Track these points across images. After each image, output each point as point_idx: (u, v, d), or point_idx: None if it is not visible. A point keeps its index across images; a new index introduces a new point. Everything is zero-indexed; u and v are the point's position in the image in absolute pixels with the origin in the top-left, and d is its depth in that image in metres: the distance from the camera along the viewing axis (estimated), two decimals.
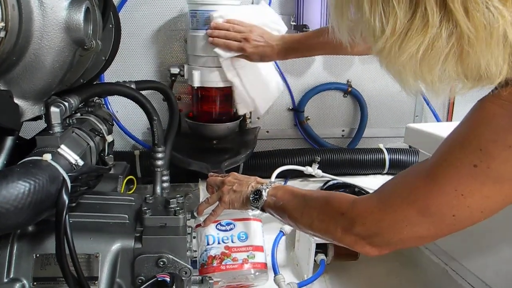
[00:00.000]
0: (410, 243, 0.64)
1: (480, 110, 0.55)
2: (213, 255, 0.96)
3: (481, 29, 0.47)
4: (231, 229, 1.00)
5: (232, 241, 0.99)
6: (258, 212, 0.86)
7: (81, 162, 0.64)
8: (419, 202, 0.58)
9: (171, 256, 0.66)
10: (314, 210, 0.73)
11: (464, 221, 0.58)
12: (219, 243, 0.98)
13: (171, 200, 0.72)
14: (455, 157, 0.55)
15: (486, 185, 0.54)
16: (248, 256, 0.98)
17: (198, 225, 0.99)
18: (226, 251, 0.97)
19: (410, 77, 0.53)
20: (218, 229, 1.00)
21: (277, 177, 1.29)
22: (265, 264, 1.00)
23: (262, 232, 1.04)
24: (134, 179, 1.05)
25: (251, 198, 0.84)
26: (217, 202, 0.92)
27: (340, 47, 0.98)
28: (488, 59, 0.49)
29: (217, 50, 1.20)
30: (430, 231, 0.60)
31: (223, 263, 0.96)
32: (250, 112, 1.51)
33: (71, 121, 0.76)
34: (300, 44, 1.13)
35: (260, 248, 1.00)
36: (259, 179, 0.90)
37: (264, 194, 0.82)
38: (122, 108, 1.46)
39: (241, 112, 1.35)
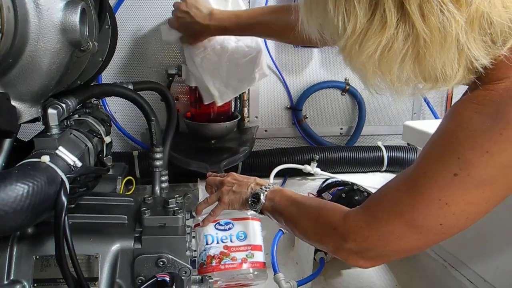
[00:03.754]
0: (403, 254, 0.65)
1: (455, 116, 0.55)
2: (212, 255, 0.96)
3: (436, 32, 0.48)
4: (229, 228, 1.00)
5: (231, 241, 0.99)
6: (254, 212, 0.86)
7: (79, 164, 0.65)
8: (405, 215, 0.59)
9: (170, 256, 0.66)
10: (308, 221, 0.74)
11: (451, 229, 0.58)
12: (218, 242, 0.98)
13: (170, 200, 0.72)
14: (435, 168, 0.56)
15: (468, 191, 0.54)
16: (247, 255, 0.98)
17: (197, 225, 0.99)
18: (225, 251, 0.97)
19: (370, 76, 0.55)
20: (217, 228, 1.00)
21: (275, 176, 1.29)
22: (264, 263, 1.00)
23: (260, 231, 1.04)
24: (133, 179, 1.05)
25: (249, 202, 0.85)
26: (216, 202, 0.93)
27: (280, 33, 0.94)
28: (444, 62, 0.50)
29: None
30: (420, 242, 0.60)
31: (222, 263, 0.96)
32: (248, 111, 1.51)
33: (69, 122, 0.76)
34: (232, 24, 1.06)
35: (259, 248, 1.00)
36: (258, 179, 0.90)
37: (262, 197, 0.83)
38: (120, 109, 1.46)
39: (205, 101, 1.27)
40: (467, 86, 0.56)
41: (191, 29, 1.10)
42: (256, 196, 0.84)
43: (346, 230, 0.66)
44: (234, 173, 0.95)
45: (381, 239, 0.62)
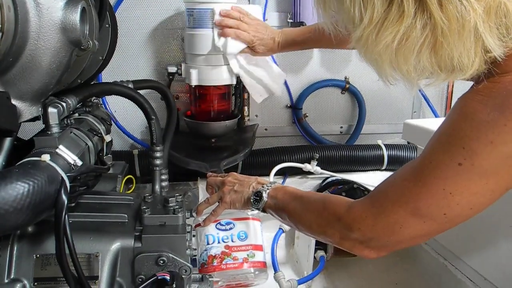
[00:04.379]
0: (406, 244, 0.66)
1: (461, 107, 0.55)
2: (214, 255, 0.97)
3: (454, 21, 0.48)
4: (230, 228, 1.00)
5: (232, 241, 0.99)
6: (256, 211, 0.86)
7: (79, 162, 0.65)
8: (409, 204, 0.59)
9: (171, 255, 0.66)
10: (312, 214, 0.74)
11: (455, 219, 0.58)
12: (219, 242, 0.98)
13: (170, 199, 0.72)
14: (440, 158, 0.56)
15: (472, 181, 0.54)
16: (248, 255, 0.98)
17: (198, 225, 0.99)
18: (227, 251, 0.97)
19: (387, 66, 0.55)
20: (218, 228, 1.00)
21: (275, 174, 1.29)
22: (265, 263, 1.00)
23: (261, 231, 1.04)
24: (133, 178, 1.06)
25: (252, 200, 0.85)
26: (217, 202, 0.93)
27: (338, 42, 1.00)
28: (461, 51, 0.50)
29: (227, 45, 1.19)
30: (424, 231, 0.61)
31: (223, 262, 0.96)
32: (248, 110, 1.51)
33: (69, 121, 0.76)
34: (299, 37, 1.16)
35: (259, 247, 1.01)
36: (259, 179, 0.90)
37: (265, 195, 0.83)
38: (120, 107, 1.46)
39: (258, 100, 1.37)
40: (472, 82, 0.56)
41: (264, 44, 1.19)
42: (258, 195, 0.84)
43: (351, 220, 0.66)
44: (235, 173, 0.95)
45: (386, 228, 0.63)
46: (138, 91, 0.91)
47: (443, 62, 0.52)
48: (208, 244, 0.98)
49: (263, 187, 0.85)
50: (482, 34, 0.49)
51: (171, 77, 1.42)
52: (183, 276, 0.66)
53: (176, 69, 1.37)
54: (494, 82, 0.52)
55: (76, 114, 0.87)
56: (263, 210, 0.84)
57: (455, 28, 0.48)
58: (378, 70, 0.57)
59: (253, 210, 0.88)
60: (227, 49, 1.20)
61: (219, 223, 1.00)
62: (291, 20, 1.45)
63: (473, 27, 0.48)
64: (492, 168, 0.53)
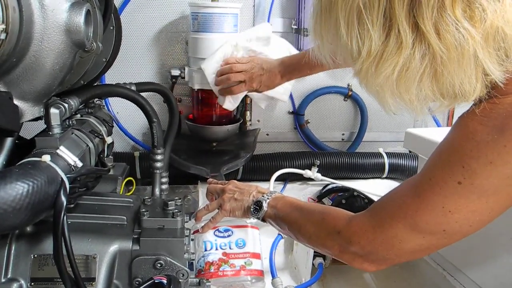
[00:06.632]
0: (406, 258, 0.66)
1: (461, 127, 0.56)
2: (211, 261, 0.96)
3: (453, 49, 0.48)
4: (229, 235, 1.00)
5: (230, 248, 0.99)
6: (255, 220, 0.86)
7: (80, 164, 0.65)
8: (408, 219, 0.59)
9: (168, 258, 0.66)
10: (312, 226, 0.74)
11: (454, 235, 0.59)
12: (217, 249, 0.98)
13: (169, 202, 0.72)
14: (440, 176, 0.56)
15: (471, 200, 0.54)
16: (245, 263, 0.97)
17: (196, 231, 0.99)
18: (224, 258, 0.97)
19: (388, 97, 0.55)
20: (216, 235, 1.00)
21: (276, 180, 1.29)
22: (262, 272, 1.00)
23: (259, 239, 1.04)
24: (133, 180, 1.06)
25: (252, 209, 0.85)
26: (217, 210, 0.92)
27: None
28: (462, 78, 0.50)
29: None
30: (423, 246, 0.61)
31: (220, 269, 0.95)
32: (250, 115, 1.51)
33: (70, 122, 0.76)
34: (300, 64, 1.13)
35: (257, 255, 1.00)
36: (260, 187, 0.90)
37: (265, 205, 0.83)
38: (122, 109, 1.47)
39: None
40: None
41: (264, 79, 1.17)
42: (258, 204, 0.84)
43: (351, 234, 0.66)
44: (235, 181, 0.95)
45: (385, 242, 0.63)
46: (141, 93, 0.91)
47: (445, 90, 0.52)
48: (205, 250, 0.98)
49: (263, 196, 0.85)
50: (482, 60, 0.49)
51: (174, 80, 1.42)
52: (180, 280, 0.66)
53: (179, 72, 1.38)
54: (494, 103, 0.53)
55: (78, 115, 0.87)
56: (263, 220, 0.84)
57: (454, 57, 0.48)
58: (380, 101, 0.57)
59: (252, 218, 0.88)
60: (230, 107, 1.27)
61: (218, 230, 1.00)
62: (295, 26, 1.46)
63: (472, 54, 0.48)
64: (492, 188, 0.53)
